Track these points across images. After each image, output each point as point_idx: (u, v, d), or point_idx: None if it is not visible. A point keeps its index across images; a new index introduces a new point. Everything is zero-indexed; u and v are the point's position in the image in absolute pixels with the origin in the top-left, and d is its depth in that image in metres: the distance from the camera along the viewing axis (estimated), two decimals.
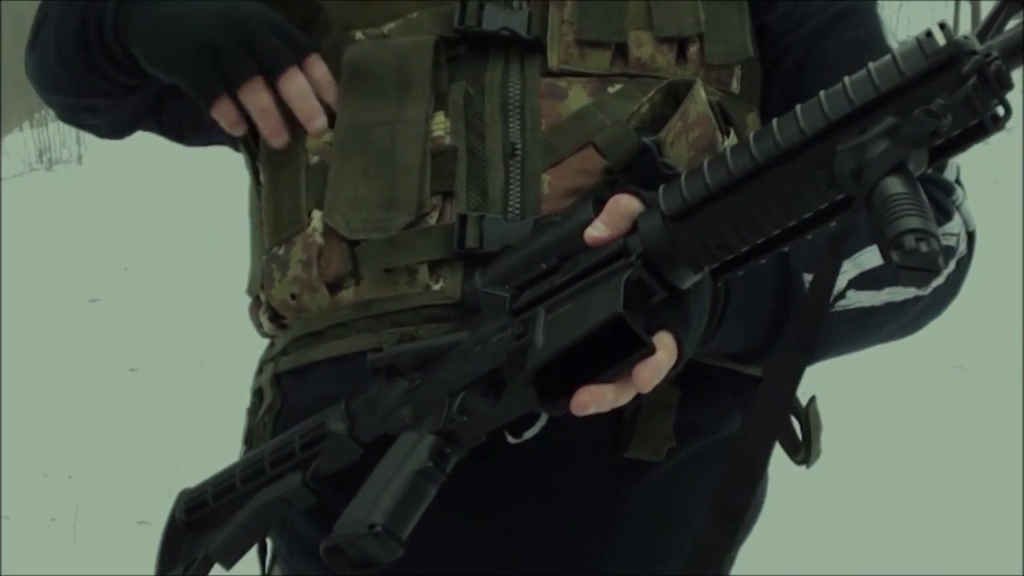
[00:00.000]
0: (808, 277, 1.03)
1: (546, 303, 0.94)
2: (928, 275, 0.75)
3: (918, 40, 0.84)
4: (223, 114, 1.10)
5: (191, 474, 1.14)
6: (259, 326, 1.17)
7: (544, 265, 0.97)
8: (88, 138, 9.28)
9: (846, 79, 0.85)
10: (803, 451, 1.13)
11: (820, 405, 1.15)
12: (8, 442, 4.01)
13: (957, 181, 1.13)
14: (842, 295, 1.05)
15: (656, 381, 0.89)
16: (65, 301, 5.90)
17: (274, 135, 1.10)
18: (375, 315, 1.06)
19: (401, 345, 1.02)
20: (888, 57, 0.84)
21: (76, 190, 8.18)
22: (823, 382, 1.16)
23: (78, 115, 1.28)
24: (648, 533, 1.10)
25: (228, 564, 1.09)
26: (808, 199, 0.86)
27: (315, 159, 1.10)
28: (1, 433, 4.03)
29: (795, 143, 0.85)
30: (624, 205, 0.93)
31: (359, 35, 1.11)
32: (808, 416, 1.13)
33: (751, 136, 0.88)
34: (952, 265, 1.11)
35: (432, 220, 1.05)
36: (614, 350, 0.88)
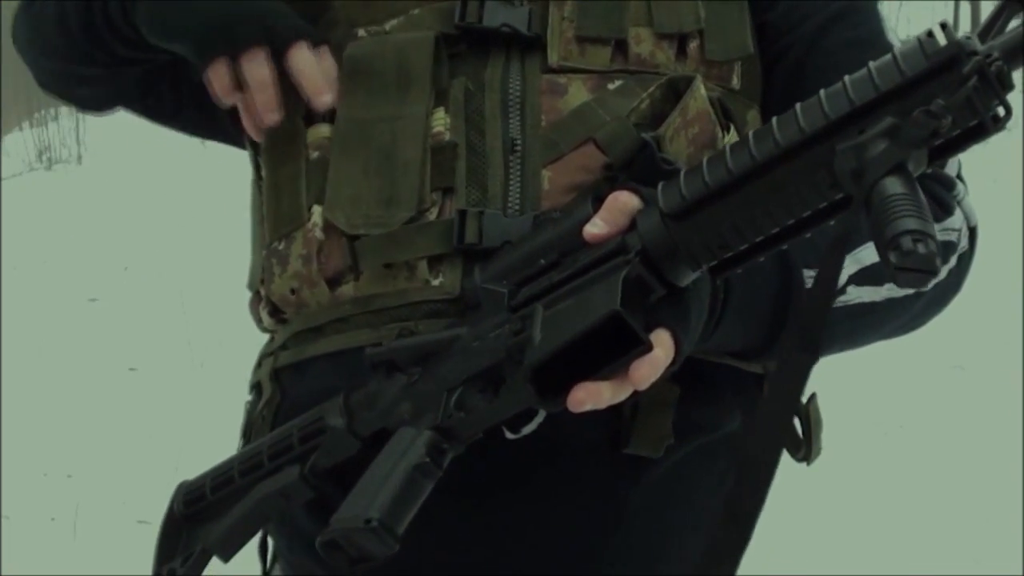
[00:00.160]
0: (808, 273, 1.03)
1: (544, 300, 0.94)
2: (925, 276, 0.75)
3: (919, 40, 0.84)
4: (217, 76, 1.08)
5: (191, 473, 1.14)
6: (259, 321, 1.17)
7: (543, 261, 0.97)
8: (88, 138, 9.29)
9: (846, 78, 0.85)
10: (804, 448, 1.13)
11: (820, 404, 1.15)
12: (8, 441, 4.01)
13: (958, 176, 1.13)
14: (842, 291, 1.05)
15: (653, 379, 0.89)
16: (65, 301, 5.90)
17: (267, 110, 1.08)
18: (374, 310, 1.06)
19: (400, 340, 1.02)
20: (888, 57, 0.84)
21: (76, 190, 8.18)
22: (822, 381, 1.16)
23: (65, 83, 1.26)
24: (648, 533, 1.09)
25: (226, 557, 1.09)
26: (808, 198, 0.86)
27: (315, 154, 1.10)
28: (1, 432, 4.03)
29: (795, 142, 0.85)
30: (623, 202, 0.93)
31: (361, 32, 1.11)
32: (808, 413, 1.13)
33: (750, 134, 0.88)
34: (953, 260, 1.11)
35: (432, 216, 1.05)
36: (612, 347, 0.88)
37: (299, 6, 1.10)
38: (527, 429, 0.98)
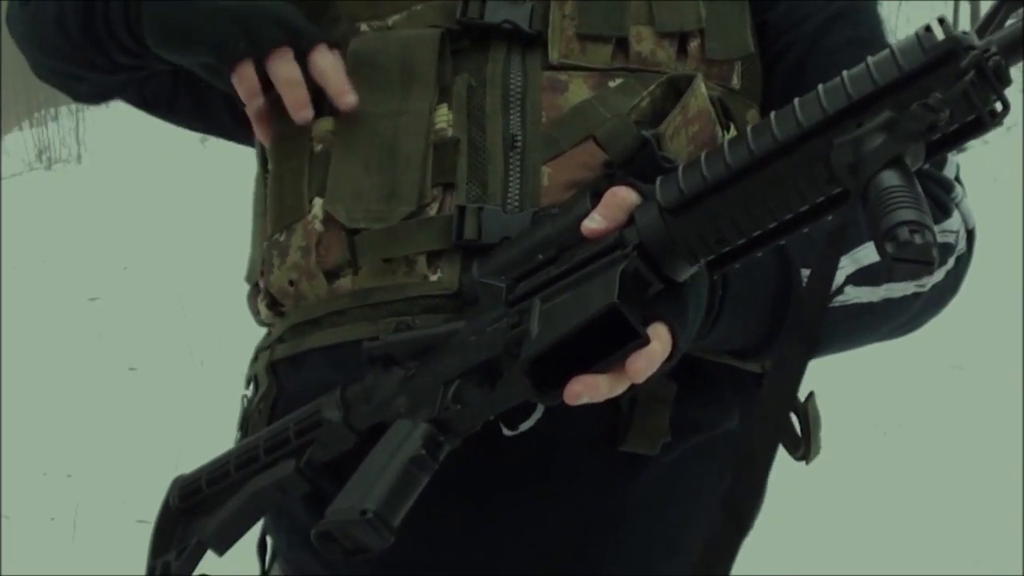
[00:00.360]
0: (806, 272, 1.03)
1: (542, 294, 0.94)
2: (922, 267, 0.75)
3: (917, 35, 0.84)
4: (243, 79, 1.07)
5: None
6: (256, 313, 1.17)
7: (541, 256, 0.97)
8: (88, 137, 9.30)
9: (844, 73, 0.85)
10: (803, 447, 1.13)
11: (819, 404, 1.15)
12: (8, 441, 4.02)
13: (956, 179, 1.13)
14: (840, 291, 1.05)
15: (650, 372, 0.88)
16: (64, 300, 5.91)
17: (299, 108, 1.08)
18: (372, 304, 1.06)
19: (398, 334, 1.03)
20: (887, 51, 0.84)
21: (75, 189, 8.20)
22: (821, 381, 1.16)
23: (61, 79, 1.26)
24: (647, 531, 1.09)
25: (221, 550, 1.09)
26: (806, 193, 0.86)
27: (319, 147, 1.10)
28: (1, 432, 4.03)
29: (793, 137, 0.85)
30: (621, 197, 0.93)
31: (364, 27, 1.12)
32: (807, 412, 1.13)
33: (749, 129, 0.88)
34: (951, 262, 1.11)
35: (432, 211, 1.05)
36: (609, 341, 0.88)
37: (302, 4, 1.10)
38: (524, 425, 0.99)
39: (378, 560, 0.97)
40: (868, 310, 1.08)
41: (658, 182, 0.92)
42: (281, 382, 1.12)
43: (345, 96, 1.07)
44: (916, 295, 1.09)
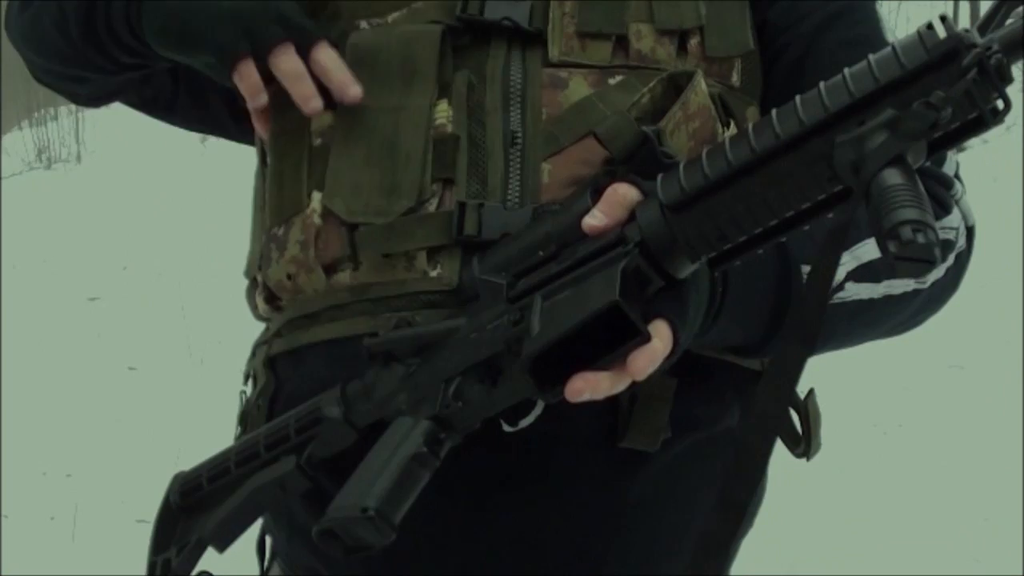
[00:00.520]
0: (807, 269, 1.03)
1: (543, 290, 0.94)
2: (925, 266, 0.76)
3: (919, 33, 0.84)
4: (245, 77, 1.07)
5: None
6: (254, 308, 1.17)
7: (542, 253, 0.97)
8: (87, 137, 9.31)
9: (846, 71, 0.85)
10: (803, 444, 1.13)
11: (819, 403, 1.15)
12: (7, 441, 4.02)
13: (956, 176, 1.13)
14: (840, 287, 1.05)
15: (651, 369, 0.88)
16: (64, 300, 5.91)
17: (307, 100, 1.07)
18: (372, 299, 1.06)
19: (398, 331, 1.02)
20: (888, 49, 0.84)
21: (75, 189, 8.20)
22: (821, 380, 1.16)
23: (61, 81, 1.26)
24: (647, 529, 1.09)
25: (221, 547, 1.09)
26: (807, 191, 0.86)
27: (318, 141, 1.10)
28: (1, 432, 4.03)
29: (795, 135, 0.85)
30: (622, 194, 0.93)
31: (363, 24, 1.12)
32: (807, 409, 1.13)
33: (750, 127, 0.88)
34: (951, 259, 1.11)
35: (432, 207, 1.05)
36: (611, 338, 0.88)
37: (302, 2, 1.10)
38: (525, 422, 0.99)
39: (378, 558, 0.97)
40: (868, 307, 1.08)
41: (659, 179, 0.92)
42: (279, 378, 1.12)
43: (350, 88, 1.07)
44: (916, 292, 1.09)
